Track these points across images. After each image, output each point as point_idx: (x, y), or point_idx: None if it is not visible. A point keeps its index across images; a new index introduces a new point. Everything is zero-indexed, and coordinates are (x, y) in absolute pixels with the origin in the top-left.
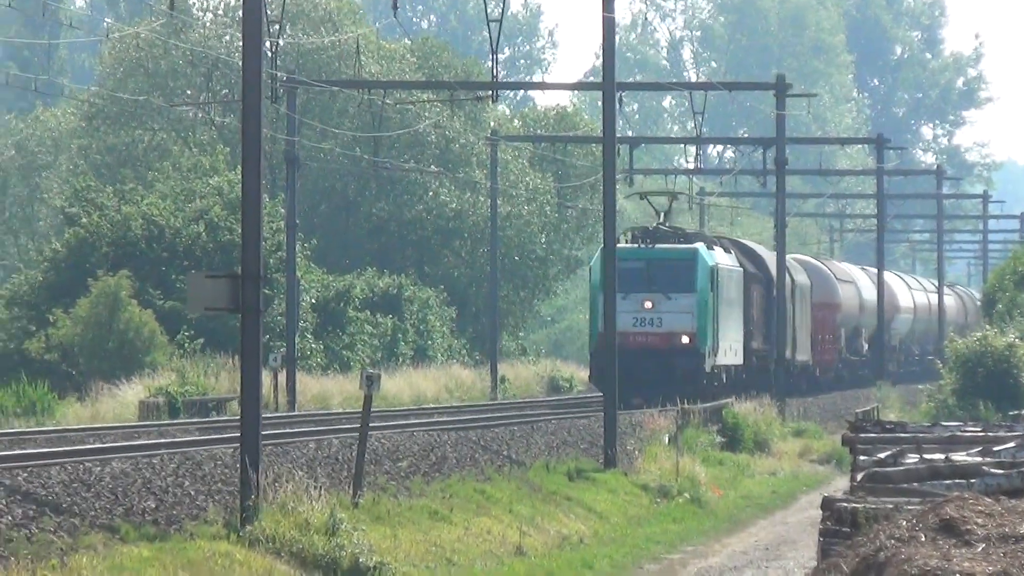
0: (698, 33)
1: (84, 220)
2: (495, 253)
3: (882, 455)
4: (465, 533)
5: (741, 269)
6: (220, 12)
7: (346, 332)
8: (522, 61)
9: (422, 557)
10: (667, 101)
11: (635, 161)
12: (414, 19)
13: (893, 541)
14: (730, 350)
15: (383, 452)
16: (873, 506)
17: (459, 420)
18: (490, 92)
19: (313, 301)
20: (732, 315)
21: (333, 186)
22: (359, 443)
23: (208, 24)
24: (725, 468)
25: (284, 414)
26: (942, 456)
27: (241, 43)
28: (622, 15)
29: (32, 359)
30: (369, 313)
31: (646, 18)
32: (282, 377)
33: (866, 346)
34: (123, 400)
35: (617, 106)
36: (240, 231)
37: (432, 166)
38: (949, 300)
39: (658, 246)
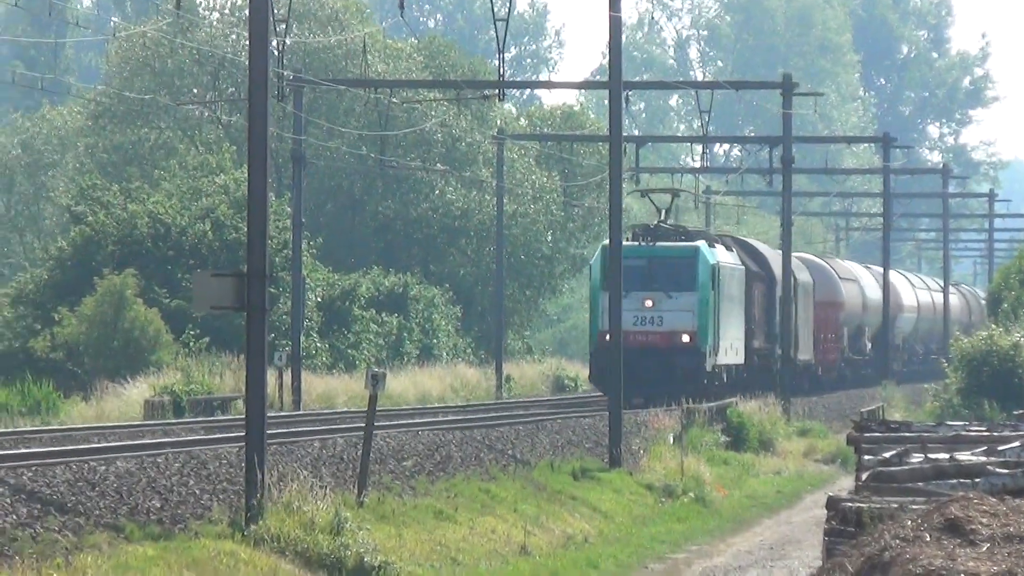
0: (705, 32)
1: (90, 219)
2: (501, 252)
3: (887, 454)
4: (470, 532)
5: (743, 267)
6: (227, 11)
7: (351, 331)
8: (529, 60)
9: (427, 556)
10: (674, 100)
11: (641, 160)
12: (421, 18)
13: (898, 541)
14: (731, 349)
15: (388, 451)
16: (878, 506)
17: (464, 419)
18: (497, 91)
19: (319, 300)
20: (733, 314)
21: (339, 185)
22: (364, 442)
23: (215, 23)
24: (730, 467)
25: (289, 413)
26: (947, 456)
27: (248, 42)
28: (629, 14)
29: (37, 358)
30: (375, 312)
31: (653, 17)
32: (287, 376)
33: (869, 345)
34: (128, 399)
35: (624, 105)
36: (246, 230)
37: (438, 165)
38: (953, 299)
39: (659, 244)
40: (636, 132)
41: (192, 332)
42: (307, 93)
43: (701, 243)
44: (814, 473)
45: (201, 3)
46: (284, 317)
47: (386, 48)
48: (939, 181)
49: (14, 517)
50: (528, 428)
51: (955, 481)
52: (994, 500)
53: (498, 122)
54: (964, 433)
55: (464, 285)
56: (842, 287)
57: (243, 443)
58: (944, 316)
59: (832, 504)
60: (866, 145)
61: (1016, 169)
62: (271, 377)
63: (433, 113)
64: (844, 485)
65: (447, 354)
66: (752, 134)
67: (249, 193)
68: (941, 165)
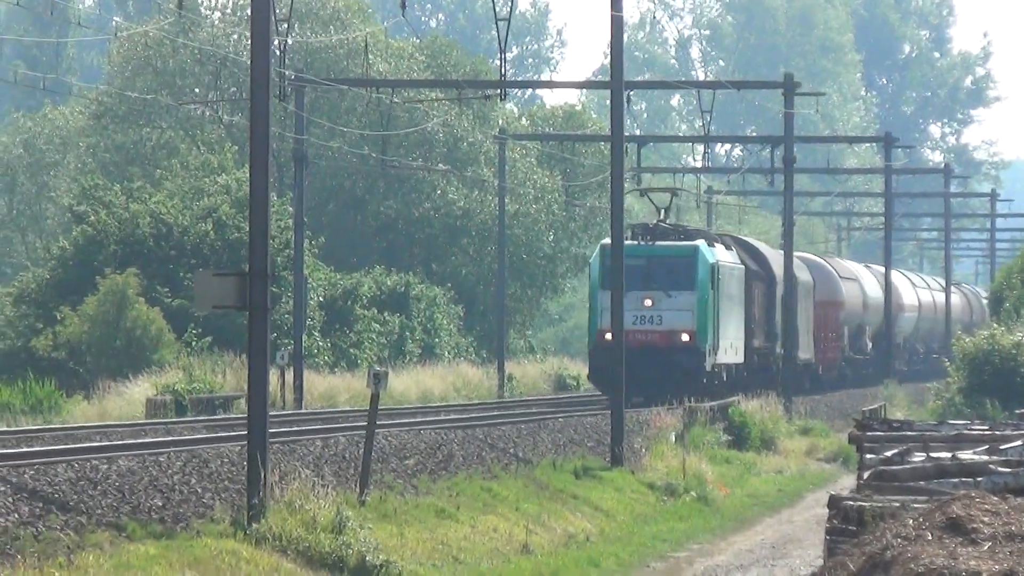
0: (706, 32)
1: (92, 218)
2: (503, 251)
3: (889, 453)
4: (472, 531)
5: (742, 266)
6: (228, 11)
7: (353, 330)
8: (530, 60)
9: (428, 555)
10: (675, 100)
11: (643, 159)
12: (422, 18)
13: (899, 539)
14: (731, 348)
15: (390, 450)
16: (880, 504)
17: (466, 418)
18: (498, 91)
19: (321, 299)
20: (733, 313)
21: (341, 184)
22: (366, 441)
23: (216, 23)
24: (731, 466)
25: (291, 412)
26: (949, 455)
27: (249, 41)
28: (630, 14)
29: (39, 357)
30: (376, 311)
31: (654, 17)
32: (289, 375)
33: (870, 344)
34: (130, 398)
35: (625, 105)
36: (248, 229)
37: (440, 164)
38: (954, 298)
39: (658, 243)
40: (638, 132)
41: (194, 331)
42: (309, 93)
43: (700, 242)
44: (816, 472)
45: (203, 3)
46: (286, 316)
47: (388, 48)
48: (941, 181)
49: (16, 516)
50: (530, 427)
51: (957, 480)
52: (996, 499)
53: (500, 122)
54: (966, 432)
55: (466, 284)
56: (842, 286)
57: (245, 442)
58: (946, 315)
59: (834, 503)
60: (868, 145)
61: (1018, 169)
62: (273, 376)
63: (435, 113)
64: (846, 484)
65: (449, 353)
66: (754, 134)
67: (251, 193)
68: (943, 165)
